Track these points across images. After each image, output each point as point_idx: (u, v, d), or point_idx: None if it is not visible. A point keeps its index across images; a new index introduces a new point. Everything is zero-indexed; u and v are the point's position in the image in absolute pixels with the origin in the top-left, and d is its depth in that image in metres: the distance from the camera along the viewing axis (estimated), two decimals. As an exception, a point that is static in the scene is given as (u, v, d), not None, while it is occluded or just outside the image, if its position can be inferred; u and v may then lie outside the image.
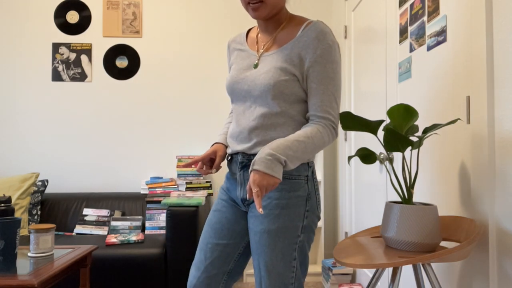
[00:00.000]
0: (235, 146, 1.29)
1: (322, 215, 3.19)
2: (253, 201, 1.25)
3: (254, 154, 1.24)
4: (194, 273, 1.29)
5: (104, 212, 2.99)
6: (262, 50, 1.27)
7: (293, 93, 1.20)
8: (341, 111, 3.19)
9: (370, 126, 1.45)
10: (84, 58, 3.41)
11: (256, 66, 1.25)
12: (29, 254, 1.91)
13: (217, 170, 1.35)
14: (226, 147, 1.41)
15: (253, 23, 3.48)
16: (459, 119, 1.38)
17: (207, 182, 3.09)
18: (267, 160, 1.07)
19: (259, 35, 1.32)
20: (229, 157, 1.35)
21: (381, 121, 1.44)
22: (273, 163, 1.07)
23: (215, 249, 1.28)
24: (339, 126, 2.87)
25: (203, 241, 1.31)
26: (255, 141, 1.23)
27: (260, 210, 1.03)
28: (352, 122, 1.45)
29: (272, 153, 1.08)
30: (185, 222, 2.52)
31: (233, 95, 1.30)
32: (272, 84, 1.18)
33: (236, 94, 1.29)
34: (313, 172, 1.26)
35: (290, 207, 1.19)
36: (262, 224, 1.19)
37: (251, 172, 1.09)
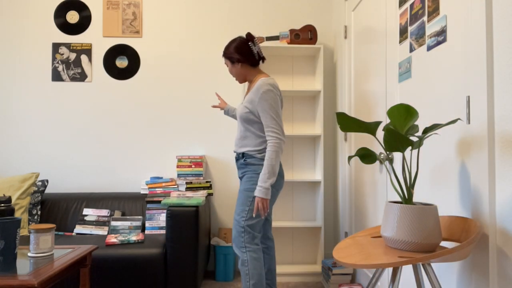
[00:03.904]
0: (234, 148, 2.37)
1: (322, 215, 3.19)
2: (242, 177, 2.27)
3: (239, 153, 2.28)
4: None
5: (104, 212, 2.99)
6: (245, 96, 2.32)
7: (250, 119, 2.20)
8: (341, 111, 3.20)
9: (366, 127, 1.45)
10: (84, 58, 3.41)
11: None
12: (29, 254, 1.91)
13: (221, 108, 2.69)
14: (226, 110, 2.66)
15: (250, 25, 3.48)
16: (459, 119, 1.38)
17: (207, 182, 3.09)
18: (258, 189, 2.12)
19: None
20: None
21: (378, 123, 1.44)
22: (260, 191, 2.12)
23: None
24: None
25: None
26: (238, 146, 2.29)
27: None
28: (349, 123, 1.45)
29: (258, 185, 2.12)
30: (185, 222, 2.52)
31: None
32: (239, 115, 2.24)
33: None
34: None
35: (253, 178, 2.19)
36: (240, 186, 2.25)
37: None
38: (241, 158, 2.26)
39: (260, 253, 2.17)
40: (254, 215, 2.11)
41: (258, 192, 2.09)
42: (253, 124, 2.20)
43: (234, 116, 2.63)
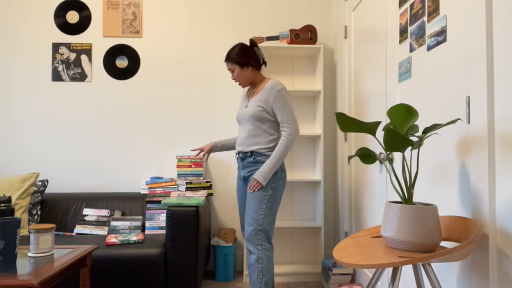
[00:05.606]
0: (238, 148, 2.38)
1: (322, 215, 3.19)
2: (249, 177, 2.33)
3: (247, 151, 2.32)
4: (241, 221, 2.49)
5: (104, 212, 2.99)
6: (249, 98, 2.43)
7: (263, 117, 2.29)
8: (341, 111, 3.21)
9: (366, 127, 1.45)
10: (84, 58, 3.41)
11: (246, 106, 2.40)
12: (29, 254, 1.91)
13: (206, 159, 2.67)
14: (214, 147, 2.59)
15: (250, 25, 3.48)
16: (459, 119, 1.38)
17: (207, 182, 3.09)
18: (260, 173, 2.24)
19: (250, 90, 2.50)
20: (236, 154, 2.43)
21: (378, 123, 1.44)
22: (261, 176, 2.23)
23: (241, 207, 2.47)
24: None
25: (238, 202, 2.50)
26: (246, 145, 2.33)
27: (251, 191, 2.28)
28: (348, 123, 1.45)
29: (261, 171, 2.23)
30: (185, 222, 2.52)
31: (238, 121, 2.44)
32: (251, 114, 2.30)
33: (239, 120, 2.41)
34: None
35: None
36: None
37: (253, 178, 2.26)
38: (250, 156, 2.31)
39: (273, 253, 2.28)
40: (251, 191, 2.22)
41: (259, 176, 2.20)
42: (265, 122, 2.29)
43: (224, 147, 2.59)
